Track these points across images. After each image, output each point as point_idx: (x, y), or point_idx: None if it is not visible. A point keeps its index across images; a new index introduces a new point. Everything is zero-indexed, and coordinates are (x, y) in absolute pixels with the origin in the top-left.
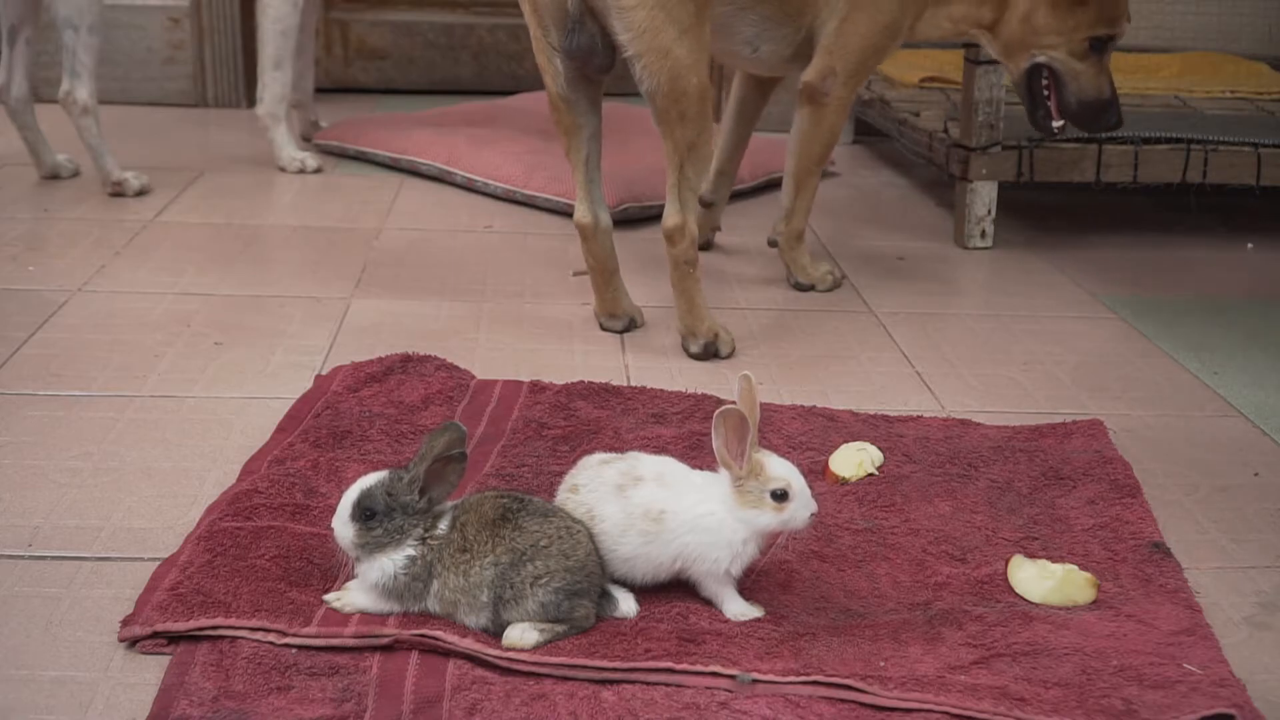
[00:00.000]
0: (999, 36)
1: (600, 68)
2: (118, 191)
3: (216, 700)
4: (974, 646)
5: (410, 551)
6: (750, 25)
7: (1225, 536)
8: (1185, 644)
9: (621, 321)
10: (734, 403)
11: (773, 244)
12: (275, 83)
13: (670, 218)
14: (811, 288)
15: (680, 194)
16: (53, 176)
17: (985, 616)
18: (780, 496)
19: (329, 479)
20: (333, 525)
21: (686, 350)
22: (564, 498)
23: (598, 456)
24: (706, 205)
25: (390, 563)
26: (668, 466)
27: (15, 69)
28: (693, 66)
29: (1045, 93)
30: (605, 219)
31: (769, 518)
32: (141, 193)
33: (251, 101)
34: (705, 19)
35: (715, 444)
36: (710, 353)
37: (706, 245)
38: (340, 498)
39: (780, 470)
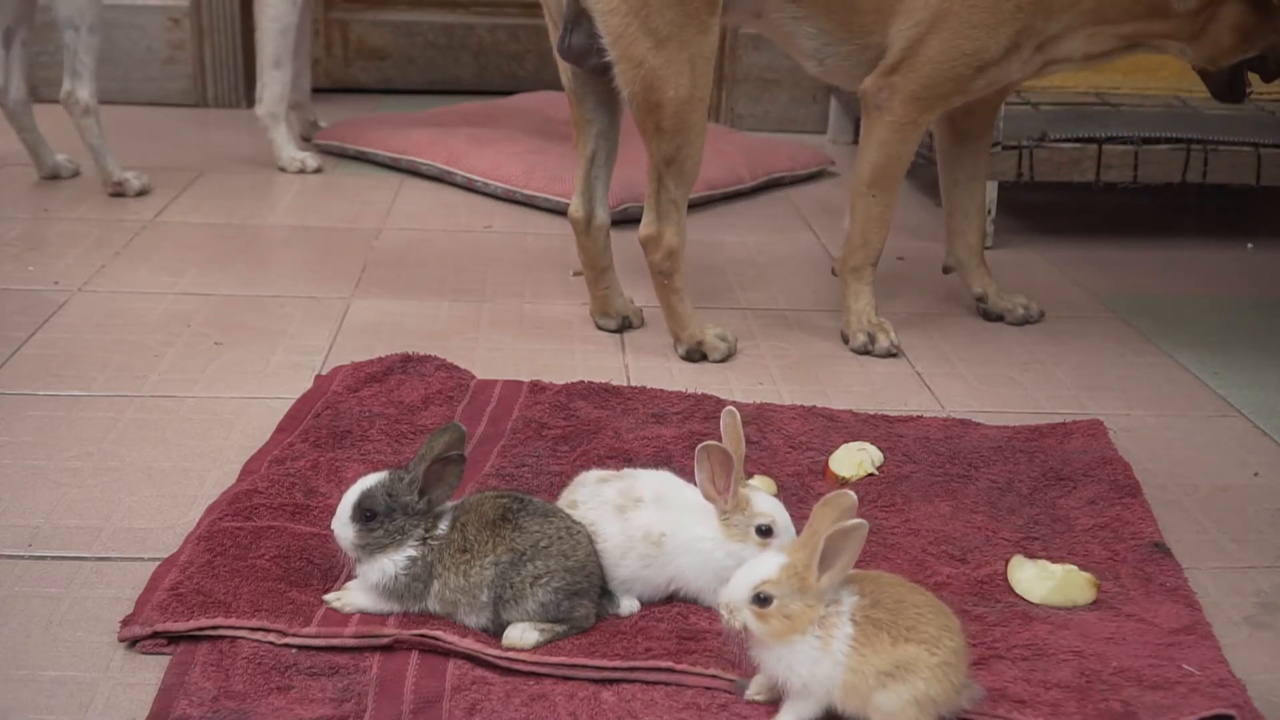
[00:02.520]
0: (1202, 47)
1: (597, 69)
2: (118, 191)
3: (216, 700)
4: (974, 647)
5: (411, 552)
6: (809, 38)
7: (1225, 536)
8: (1185, 644)
9: (614, 321)
10: (730, 417)
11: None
12: (275, 82)
13: (645, 226)
14: (868, 347)
15: (658, 204)
16: (53, 177)
17: (985, 617)
18: (765, 532)
19: (329, 479)
20: (333, 526)
21: (676, 351)
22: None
23: (595, 474)
24: (948, 271)
25: (391, 563)
26: (666, 485)
27: (12, 71)
28: (670, 78)
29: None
30: (601, 216)
31: (754, 553)
32: (142, 193)
33: (251, 101)
34: (698, 29)
35: (699, 478)
36: (696, 357)
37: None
38: (340, 498)
39: (765, 506)
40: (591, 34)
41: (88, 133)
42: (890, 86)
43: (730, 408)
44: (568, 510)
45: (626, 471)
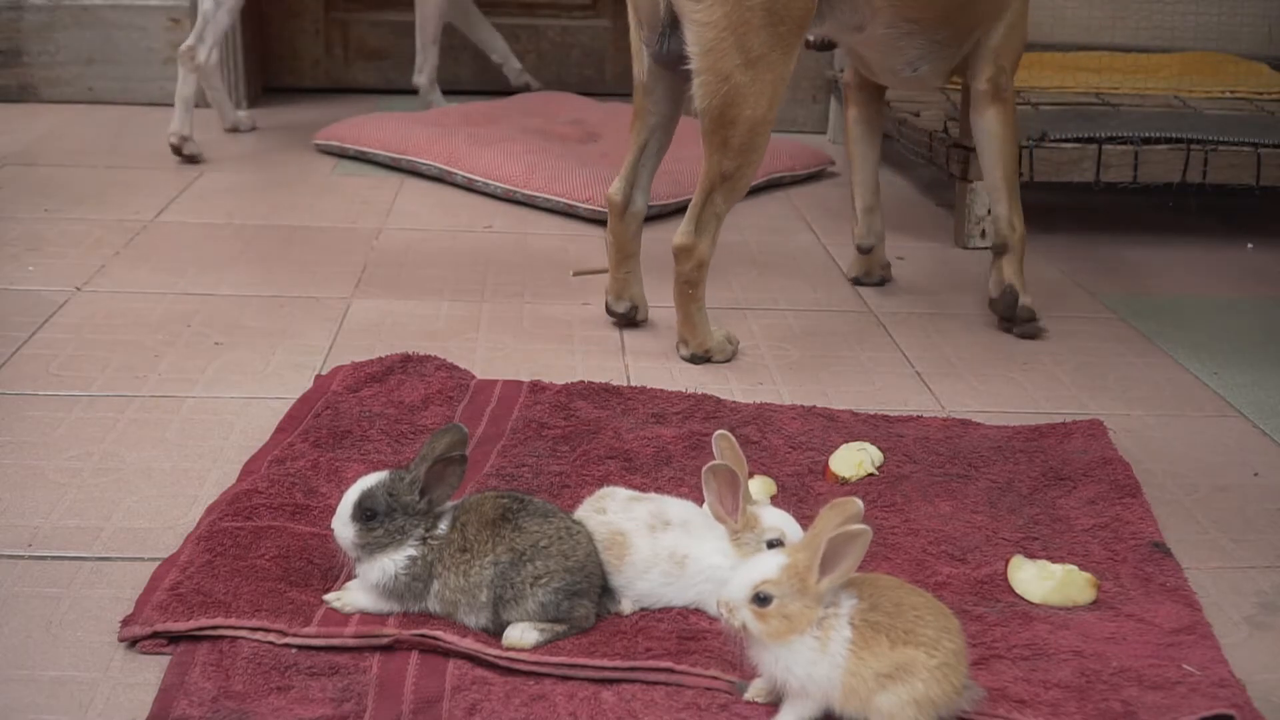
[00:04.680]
0: None
1: (683, 73)
2: (234, 128)
3: (216, 700)
4: (974, 647)
5: (411, 552)
6: (916, 48)
7: (1225, 536)
8: (1185, 644)
9: (625, 304)
10: (725, 440)
11: (999, 250)
12: (434, 56)
13: (681, 236)
14: (1033, 317)
15: (700, 216)
16: (233, 130)
17: (985, 616)
18: (776, 546)
19: (329, 479)
20: (333, 526)
21: (679, 352)
22: (587, 515)
23: (624, 492)
24: (866, 252)
25: (391, 563)
26: (691, 513)
27: (206, 35)
28: (751, 98)
29: None
30: (640, 204)
31: None
32: (253, 128)
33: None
34: (784, 52)
35: (708, 499)
36: (699, 361)
37: (881, 283)
38: (340, 498)
39: (774, 520)
40: (684, 41)
41: (206, 84)
42: (1005, 73)
43: (723, 431)
44: (594, 513)
45: (651, 495)
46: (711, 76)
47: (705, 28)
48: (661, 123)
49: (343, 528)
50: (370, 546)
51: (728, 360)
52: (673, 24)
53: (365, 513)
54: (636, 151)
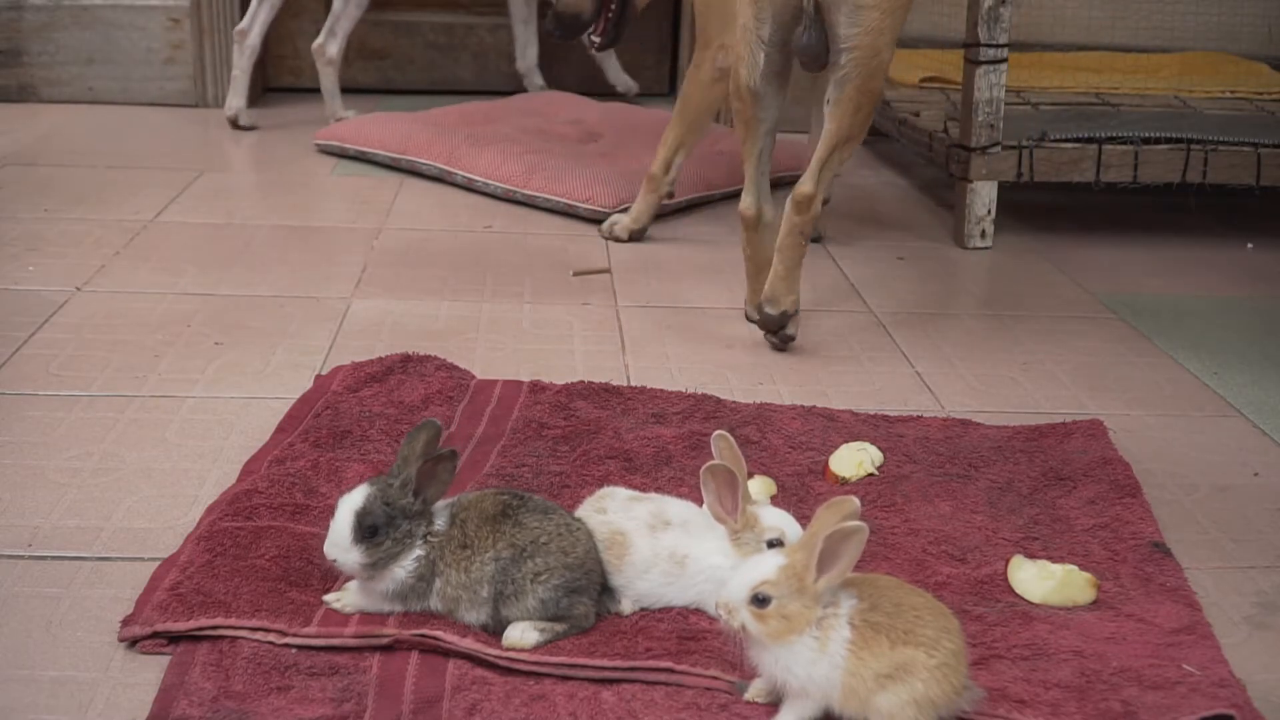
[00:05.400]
0: None
1: (821, 64)
2: (234, 118)
3: (216, 700)
4: (974, 647)
5: (418, 552)
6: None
7: (1225, 536)
8: (1185, 644)
9: None
10: (723, 440)
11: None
12: (530, 36)
13: (805, 185)
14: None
15: (821, 171)
16: (233, 120)
17: (985, 616)
18: (776, 546)
19: (329, 479)
20: (330, 555)
21: (758, 314)
22: (588, 514)
23: (624, 492)
24: (824, 201)
25: (402, 570)
26: (691, 513)
27: (256, 21)
28: (883, 72)
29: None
30: (770, 212)
31: None
32: (252, 128)
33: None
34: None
35: (707, 499)
36: (780, 324)
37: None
38: (339, 499)
39: (774, 520)
40: (824, 30)
41: (326, 78)
42: None
43: (721, 431)
44: (594, 513)
45: (652, 495)
46: (866, 53)
47: (869, 10)
48: (770, 128)
49: (345, 554)
50: (382, 561)
51: (793, 338)
52: (815, 15)
53: (367, 531)
54: (755, 160)
